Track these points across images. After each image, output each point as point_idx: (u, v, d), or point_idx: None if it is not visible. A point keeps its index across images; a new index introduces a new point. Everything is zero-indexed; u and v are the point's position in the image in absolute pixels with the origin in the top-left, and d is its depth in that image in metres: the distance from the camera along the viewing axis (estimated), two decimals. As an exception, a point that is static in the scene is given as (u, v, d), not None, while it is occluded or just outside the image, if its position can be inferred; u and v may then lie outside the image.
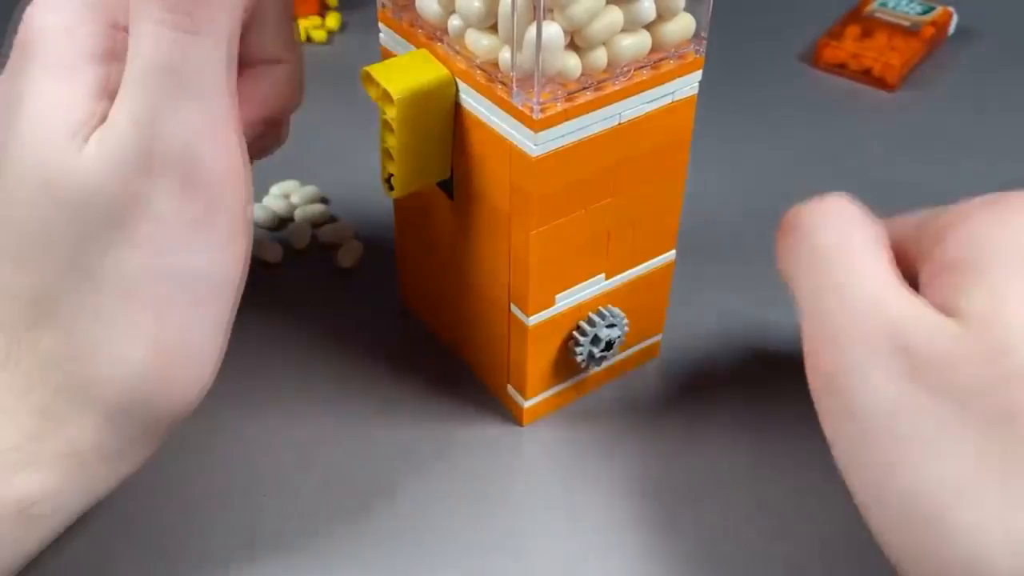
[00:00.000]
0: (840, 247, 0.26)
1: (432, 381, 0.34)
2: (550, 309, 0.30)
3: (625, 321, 0.31)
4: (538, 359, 0.31)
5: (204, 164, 0.24)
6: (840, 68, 0.50)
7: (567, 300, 0.30)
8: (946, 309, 0.24)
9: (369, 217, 0.40)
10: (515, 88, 0.26)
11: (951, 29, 0.53)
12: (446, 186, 0.30)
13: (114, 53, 0.25)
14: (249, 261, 0.26)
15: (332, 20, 0.52)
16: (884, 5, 0.53)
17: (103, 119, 0.24)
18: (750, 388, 0.34)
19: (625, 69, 0.27)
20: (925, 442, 0.23)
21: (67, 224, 0.24)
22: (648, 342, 0.34)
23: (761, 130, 0.46)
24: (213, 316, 0.25)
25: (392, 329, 0.36)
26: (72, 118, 0.24)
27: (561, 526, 0.29)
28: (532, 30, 0.25)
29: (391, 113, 0.27)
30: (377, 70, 0.28)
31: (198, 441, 0.31)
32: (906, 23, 0.52)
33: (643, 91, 0.27)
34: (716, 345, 0.35)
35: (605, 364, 0.33)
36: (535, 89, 0.25)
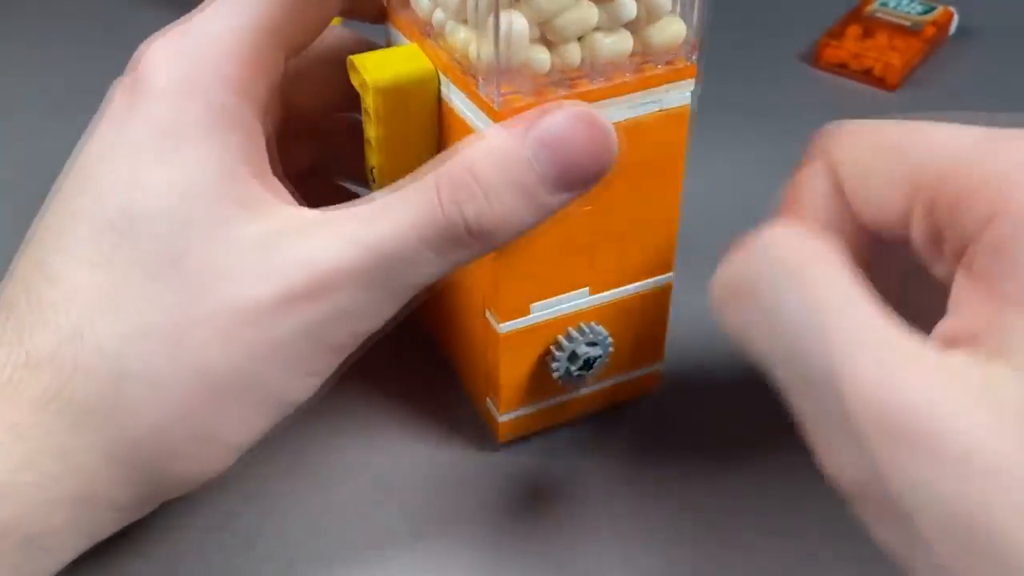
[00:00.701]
0: (811, 318, 0.20)
1: (424, 388, 0.33)
2: (525, 318, 0.28)
3: (609, 341, 0.29)
4: (512, 370, 0.29)
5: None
6: (841, 68, 0.50)
7: (545, 311, 0.29)
8: (991, 338, 0.19)
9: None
10: (481, 79, 0.25)
11: (952, 29, 0.53)
12: None
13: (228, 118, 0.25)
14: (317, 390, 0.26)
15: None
16: (885, 5, 0.53)
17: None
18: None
19: (604, 70, 0.26)
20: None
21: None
22: (645, 371, 0.32)
23: (761, 130, 0.46)
24: (263, 425, 0.25)
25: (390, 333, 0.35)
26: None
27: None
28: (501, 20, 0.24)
29: (369, 101, 0.27)
30: (361, 59, 0.27)
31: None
32: (907, 23, 0.51)
33: (623, 95, 0.26)
34: (723, 377, 0.33)
35: (586, 388, 0.31)
36: (495, 79, 0.25)
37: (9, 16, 0.54)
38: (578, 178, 0.24)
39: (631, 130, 0.27)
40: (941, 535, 0.18)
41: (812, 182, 0.25)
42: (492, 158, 0.24)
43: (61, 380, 0.23)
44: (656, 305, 0.31)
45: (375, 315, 0.25)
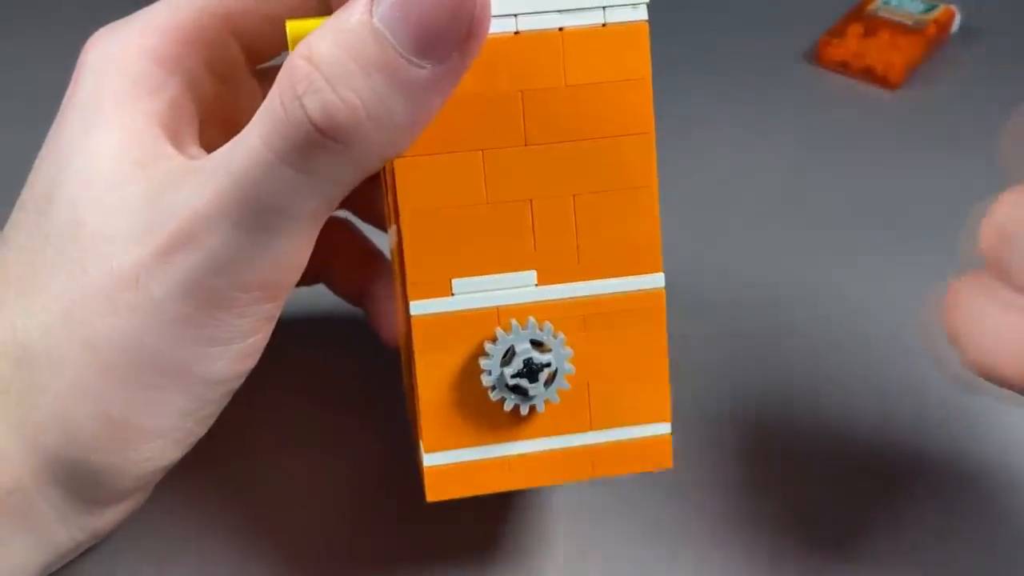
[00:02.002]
0: None
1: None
2: (446, 300, 0.22)
3: (567, 351, 0.23)
4: (435, 379, 0.23)
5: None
6: (842, 67, 0.50)
7: (473, 293, 0.23)
8: None
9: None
10: None
11: (954, 28, 0.52)
12: None
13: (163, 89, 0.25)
14: (253, 365, 0.24)
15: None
16: (887, 3, 0.52)
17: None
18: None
19: None
20: None
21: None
22: (643, 433, 0.24)
23: (762, 128, 0.45)
24: (183, 407, 0.23)
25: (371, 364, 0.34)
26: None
27: None
28: None
29: (291, 50, 0.22)
30: (295, 21, 0.23)
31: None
32: (909, 22, 0.51)
33: None
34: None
35: (549, 422, 0.23)
36: None
37: (9, 16, 0.54)
38: (441, 36, 0.20)
39: (568, 46, 0.22)
40: None
41: None
42: (332, 37, 0.20)
43: None
44: (644, 322, 0.24)
45: (261, 259, 0.22)
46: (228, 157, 0.21)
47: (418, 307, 0.22)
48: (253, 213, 0.21)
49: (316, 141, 0.20)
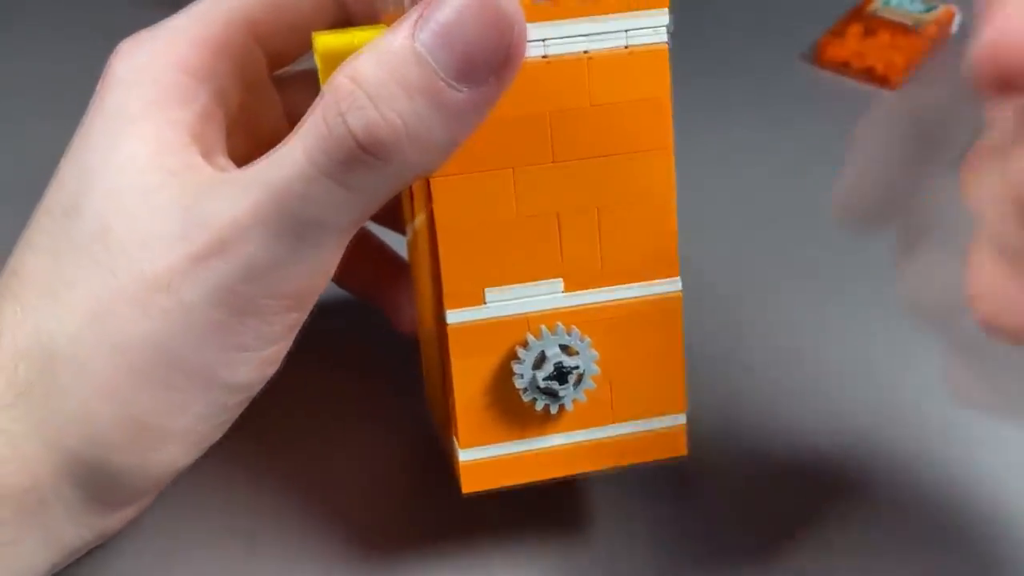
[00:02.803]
0: None
1: (414, 390, 0.31)
2: (479, 308, 0.24)
3: (593, 354, 0.24)
4: (469, 383, 0.24)
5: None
6: (842, 67, 0.50)
7: (505, 301, 0.24)
8: None
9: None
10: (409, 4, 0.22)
11: (954, 28, 0.53)
12: None
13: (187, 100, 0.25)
14: (273, 373, 0.25)
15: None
16: (887, 4, 0.53)
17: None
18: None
19: None
20: None
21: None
22: (661, 424, 0.25)
23: (762, 129, 0.45)
24: (203, 411, 0.24)
25: (381, 332, 0.34)
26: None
27: None
28: None
29: (320, 68, 0.24)
30: (321, 34, 0.24)
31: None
32: (909, 22, 0.51)
33: (574, 18, 0.23)
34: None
35: (578, 434, 0.25)
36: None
37: (9, 16, 0.54)
38: (480, 62, 0.21)
39: (592, 69, 0.23)
40: None
41: None
42: (376, 59, 0.21)
43: (6, 366, 0.23)
44: (662, 322, 0.25)
45: (293, 269, 0.23)
46: (266, 170, 0.22)
47: (454, 316, 0.24)
48: (291, 224, 0.22)
49: (357, 157, 0.21)
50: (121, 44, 0.26)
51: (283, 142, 0.22)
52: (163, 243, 0.23)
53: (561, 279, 0.24)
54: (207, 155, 0.25)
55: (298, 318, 0.24)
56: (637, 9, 0.23)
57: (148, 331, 0.23)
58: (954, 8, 0.52)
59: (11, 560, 0.24)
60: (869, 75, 0.49)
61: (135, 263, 0.23)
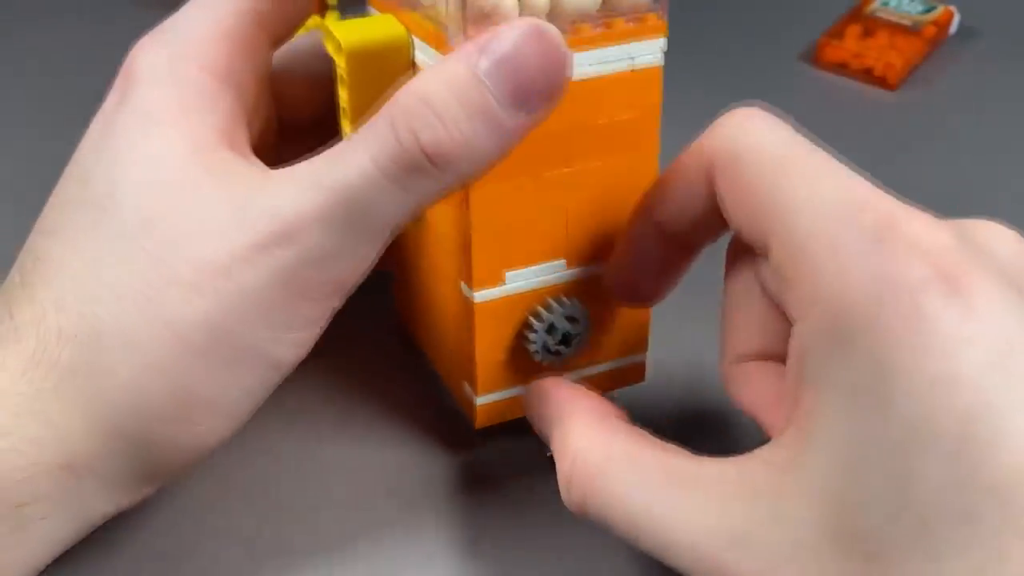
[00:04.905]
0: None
1: (411, 390, 0.32)
2: (499, 287, 0.28)
3: (588, 317, 0.29)
4: (488, 347, 0.29)
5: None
6: (841, 67, 0.50)
7: (520, 282, 0.28)
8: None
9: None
10: (449, 29, 0.25)
11: (953, 28, 0.53)
12: None
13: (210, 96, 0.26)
14: (309, 350, 0.26)
15: (332, 19, 0.52)
16: (885, 4, 0.53)
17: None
18: (739, 431, 0.31)
19: (571, 22, 0.25)
20: None
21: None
22: (628, 361, 0.31)
23: (761, 129, 0.46)
24: (250, 385, 0.25)
25: (374, 333, 0.35)
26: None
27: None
28: None
29: (342, 65, 0.27)
30: (335, 24, 0.27)
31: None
32: (907, 22, 0.51)
33: (591, 48, 0.26)
34: (708, 372, 0.32)
35: (568, 375, 0.30)
36: (463, 28, 0.24)
37: (9, 16, 0.54)
38: (533, 93, 0.24)
39: (602, 88, 0.26)
40: None
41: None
42: (443, 83, 0.23)
43: (44, 346, 0.24)
44: None
45: (347, 259, 0.25)
46: (330, 170, 0.24)
47: (480, 295, 0.28)
48: (350, 220, 0.24)
49: (421, 166, 0.24)
50: (141, 40, 0.27)
51: (339, 147, 0.24)
52: (219, 232, 0.24)
53: (564, 259, 0.28)
54: (235, 153, 0.26)
55: (337, 304, 0.26)
56: (642, 37, 0.26)
57: (204, 310, 0.24)
58: (953, 8, 0.52)
59: (41, 533, 0.24)
60: (868, 75, 0.49)
61: (184, 249, 0.24)
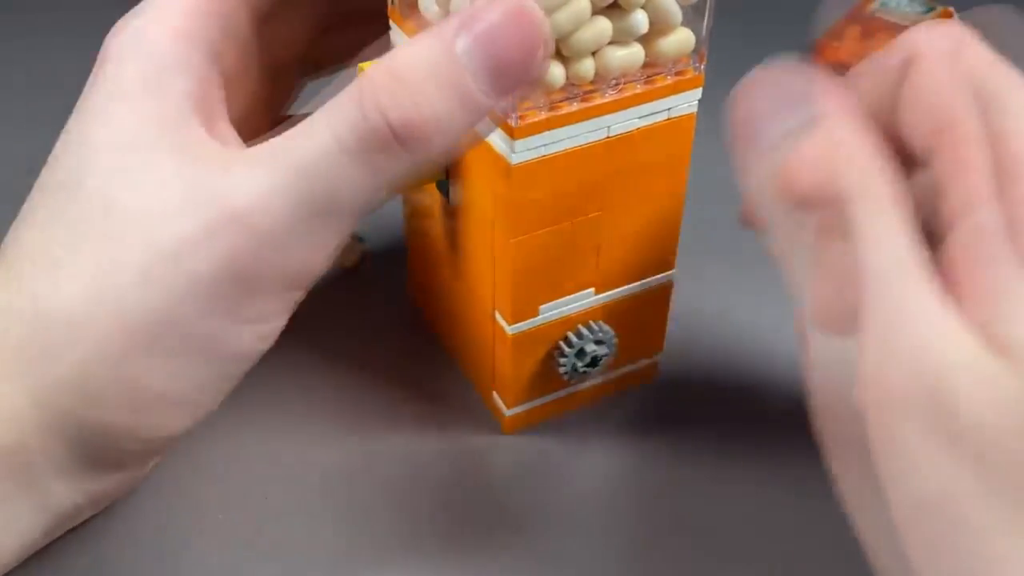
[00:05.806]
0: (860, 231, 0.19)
1: (428, 383, 0.33)
2: (533, 320, 0.29)
3: (615, 339, 0.30)
4: (520, 369, 0.30)
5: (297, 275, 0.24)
6: (841, 68, 0.50)
7: (552, 312, 0.29)
8: (985, 319, 0.18)
9: (372, 217, 0.40)
10: None
11: (952, 29, 0.53)
12: (443, 187, 0.30)
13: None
14: (268, 348, 0.25)
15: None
16: (885, 5, 0.53)
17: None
18: (750, 419, 0.32)
19: (615, 82, 0.26)
20: (971, 530, 0.17)
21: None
22: (645, 362, 0.33)
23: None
24: (204, 377, 0.24)
25: (392, 328, 0.35)
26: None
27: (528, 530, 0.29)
28: None
29: None
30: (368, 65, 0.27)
31: (197, 441, 0.30)
32: (907, 23, 0.51)
33: (634, 106, 0.26)
34: (718, 367, 0.34)
35: (590, 381, 0.31)
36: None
37: (9, 16, 0.55)
38: (511, 72, 0.22)
39: (641, 138, 0.27)
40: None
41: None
42: (416, 57, 0.22)
43: (1, 329, 0.24)
44: (657, 301, 0.31)
45: (305, 246, 0.23)
46: (290, 148, 0.23)
47: (515, 328, 0.29)
48: (310, 202, 0.23)
49: (388, 145, 0.22)
50: (116, 24, 0.26)
51: (303, 124, 0.23)
52: (168, 215, 0.23)
53: (593, 288, 0.30)
54: (209, 123, 0.25)
55: (298, 296, 0.25)
56: (683, 91, 0.27)
57: (152, 298, 0.23)
58: (952, 9, 0.52)
59: (1, 520, 0.24)
60: (867, 76, 0.49)
61: (140, 233, 0.23)
